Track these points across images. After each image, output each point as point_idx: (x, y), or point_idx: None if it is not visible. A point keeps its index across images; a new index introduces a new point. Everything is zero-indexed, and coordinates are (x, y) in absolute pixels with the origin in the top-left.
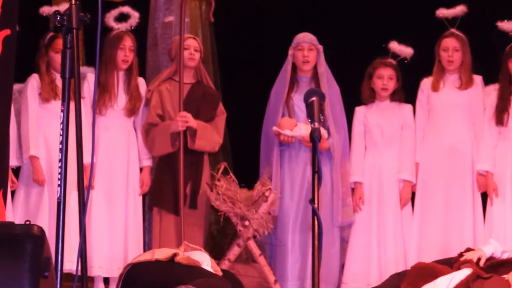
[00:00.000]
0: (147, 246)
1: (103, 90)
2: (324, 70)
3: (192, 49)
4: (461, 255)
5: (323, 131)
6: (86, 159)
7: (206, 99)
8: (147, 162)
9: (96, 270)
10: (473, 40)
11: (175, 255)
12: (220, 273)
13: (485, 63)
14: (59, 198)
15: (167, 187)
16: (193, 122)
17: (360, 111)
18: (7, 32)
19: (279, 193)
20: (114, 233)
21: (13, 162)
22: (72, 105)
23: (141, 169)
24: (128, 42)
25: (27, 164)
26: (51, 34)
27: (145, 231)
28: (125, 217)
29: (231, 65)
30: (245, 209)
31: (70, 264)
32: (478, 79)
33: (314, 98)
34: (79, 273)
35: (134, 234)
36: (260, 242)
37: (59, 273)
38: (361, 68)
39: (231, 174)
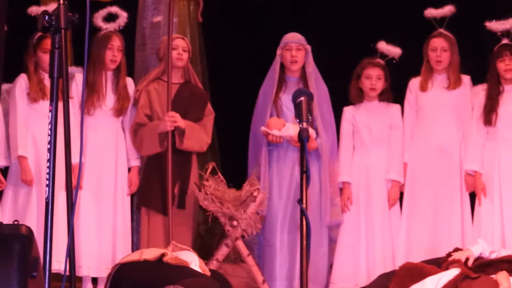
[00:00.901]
0: (135, 246)
1: (91, 90)
2: (312, 70)
3: (181, 49)
4: (449, 255)
5: (311, 131)
6: (75, 159)
7: (194, 99)
8: (135, 162)
9: (84, 270)
10: (461, 40)
11: (163, 255)
12: (208, 273)
13: (473, 63)
14: (47, 198)
15: (156, 187)
16: (181, 122)
17: (348, 111)
18: None
19: (267, 193)
20: (102, 233)
21: (1, 162)
22: (60, 105)
23: (129, 169)
24: (117, 42)
25: (15, 164)
26: (39, 34)
27: (133, 231)
28: (113, 217)
29: (219, 65)
30: (233, 209)
31: (58, 264)
32: (466, 79)
33: (302, 98)
34: (67, 273)
35: (122, 234)
36: (248, 242)
37: (47, 273)
38: (349, 68)
39: (219, 174)
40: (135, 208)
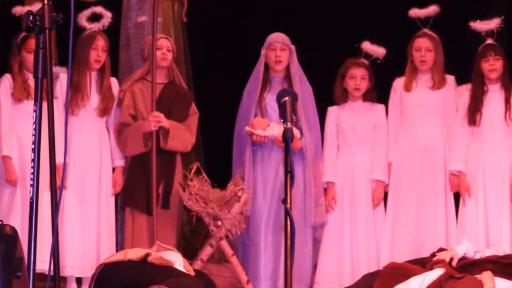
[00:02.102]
0: (119, 246)
1: (76, 90)
2: (296, 70)
3: (165, 49)
4: (433, 255)
5: (296, 131)
6: (59, 159)
7: (179, 99)
8: (120, 162)
9: (68, 270)
10: (446, 40)
11: (147, 255)
12: (192, 273)
13: (458, 63)
14: (31, 198)
15: (140, 187)
16: (165, 122)
17: (332, 111)
18: None
19: (251, 193)
20: (87, 233)
21: None
22: (44, 105)
23: (113, 169)
24: (101, 42)
25: None
26: (24, 34)
27: (118, 231)
28: (97, 217)
29: (203, 65)
30: (217, 209)
31: (43, 264)
32: (450, 79)
33: (286, 98)
34: (51, 273)
35: (106, 234)
36: (232, 242)
37: (31, 273)
38: (333, 68)
39: (203, 174)
40: (119, 208)
